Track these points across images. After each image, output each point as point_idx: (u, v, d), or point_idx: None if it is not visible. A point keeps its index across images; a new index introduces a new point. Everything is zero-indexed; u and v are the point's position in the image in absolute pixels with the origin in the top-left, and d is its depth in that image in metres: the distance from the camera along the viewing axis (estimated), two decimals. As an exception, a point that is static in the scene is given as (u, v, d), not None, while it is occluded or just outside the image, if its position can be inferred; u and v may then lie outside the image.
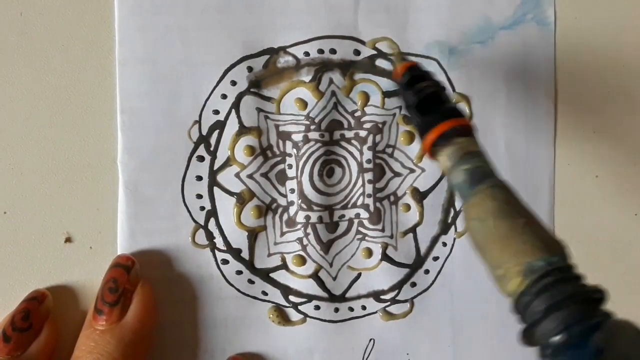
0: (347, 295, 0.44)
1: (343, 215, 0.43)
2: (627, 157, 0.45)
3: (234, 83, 0.41)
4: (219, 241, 0.42)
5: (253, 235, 0.42)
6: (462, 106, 0.43)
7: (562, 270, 0.27)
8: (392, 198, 0.44)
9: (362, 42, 0.42)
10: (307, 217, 0.42)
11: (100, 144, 0.40)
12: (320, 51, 0.42)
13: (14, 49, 0.39)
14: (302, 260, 0.43)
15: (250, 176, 0.42)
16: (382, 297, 0.44)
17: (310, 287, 0.43)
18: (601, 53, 0.45)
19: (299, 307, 0.43)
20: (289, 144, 0.42)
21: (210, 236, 0.42)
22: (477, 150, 0.32)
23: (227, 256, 0.42)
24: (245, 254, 0.42)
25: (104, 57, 0.40)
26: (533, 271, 0.27)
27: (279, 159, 0.42)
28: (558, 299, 0.26)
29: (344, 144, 0.43)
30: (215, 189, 0.42)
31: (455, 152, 0.32)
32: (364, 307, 0.44)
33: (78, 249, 0.41)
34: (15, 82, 0.40)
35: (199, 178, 0.41)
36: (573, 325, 0.25)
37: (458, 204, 0.44)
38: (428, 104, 0.34)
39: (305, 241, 0.43)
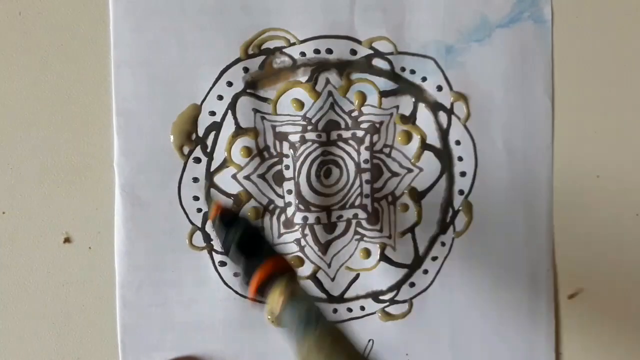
0: (346, 296, 0.43)
1: (341, 216, 0.43)
2: (627, 157, 0.45)
3: (230, 84, 0.41)
4: (216, 243, 0.42)
5: (251, 236, 0.42)
6: (460, 105, 0.43)
7: None
8: (390, 198, 0.43)
9: (359, 42, 0.42)
10: (305, 218, 0.42)
11: (99, 145, 0.41)
12: (317, 51, 0.42)
13: (12, 50, 0.40)
14: (300, 262, 0.43)
15: (247, 177, 0.42)
16: (380, 297, 0.44)
17: (309, 288, 0.43)
18: (601, 52, 0.44)
19: (298, 308, 0.43)
20: (285, 145, 0.42)
21: (207, 238, 0.42)
22: (301, 292, 0.33)
23: (225, 258, 0.42)
24: (243, 255, 0.42)
25: (103, 58, 0.40)
26: None
27: (276, 160, 0.42)
28: None
29: (341, 144, 0.43)
30: (212, 190, 0.42)
31: (283, 292, 0.32)
32: (362, 308, 0.44)
33: (77, 249, 0.41)
34: (14, 83, 0.40)
35: (196, 180, 0.41)
36: None
37: (456, 203, 0.44)
38: (249, 244, 0.34)
39: (303, 242, 0.43)
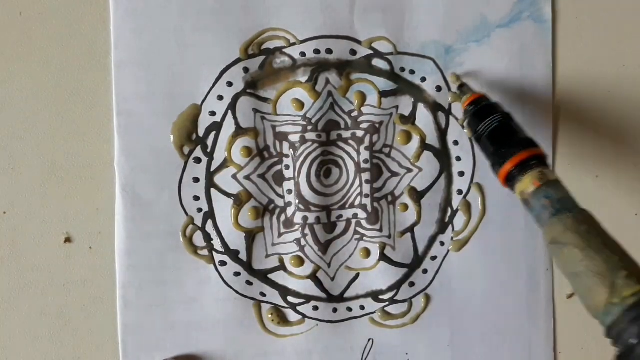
0: (346, 295, 0.43)
1: (341, 216, 0.43)
2: (627, 157, 0.45)
3: (230, 84, 0.41)
4: (216, 243, 0.42)
5: (251, 236, 0.42)
6: (458, 106, 0.43)
7: None
8: (389, 198, 0.43)
9: (358, 42, 0.42)
10: (305, 218, 0.42)
11: (100, 145, 0.41)
12: (317, 51, 0.42)
13: (12, 49, 0.40)
14: (300, 261, 0.43)
15: (247, 177, 0.42)
16: (380, 297, 0.44)
17: (309, 288, 0.43)
18: (601, 53, 0.45)
19: (298, 308, 0.43)
20: (286, 145, 0.42)
21: (207, 238, 0.42)
22: (555, 179, 0.34)
23: (225, 258, 0.42)
24: (243, 256, 0.42)
25: (103, 58, 0.40)
26: (629, 298, 0.28)
27: (276, 160, 0.42)
28: None
29: (341, 144, 0.43)
30: (213, 190, 0.42)
31: (537, 179, 0.34)
32: (362, 307, 0.44)
33: (78, 249, 0.41)
34: (14, 83, 0.40)
35: (196, 180, 0.41)
36: None
37: (455, 203, 0.44)
38: (501, 134, 0.36)
39: (303, 242, 0.43)
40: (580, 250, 0.30)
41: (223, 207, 0.42)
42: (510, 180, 0.35)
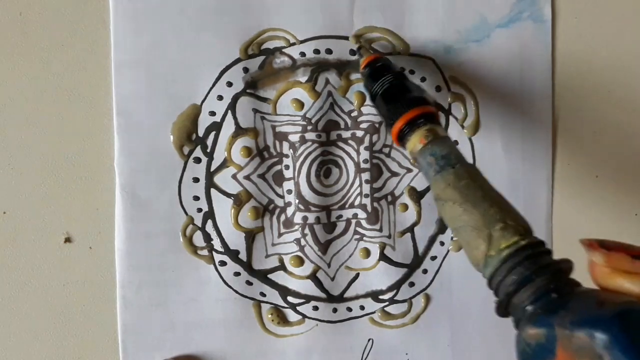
0: (346, 295, 0.43)
1: (340, 216, 0.43)
2: (627, 157, 0.45)
3: (230, 84, 0.41)
4: (216, 243, 0.42)
5: (251, 236, 0.42)
6: (457, 106, 0.43)
7: (531, 247, 0.28)
8: (389, 198, 0.43)
9: (358, 42, 0.42)
10: (305, 218, 0.42)
11: (100, 145, 0.41)
12: (316, 51, 0.42)
13: (12, 49, 0.40)
14: (300, 261, 0.43)
15: (247, 177, 0.42)
16: (380, 297, 0.44)
17: (309, 288, 0.43)
18: (601, 53, 0.45)
19: (298, 308, 0.43)
20: (285, 145, 0.42)
21: (207, 238, 0.42)
22: (444, 135, 0.34)
23: (225, 258, 0.42)
24: (243, 256, 0.42)
25: (103, 58, 0.40)
26: (505, 249, 0.28)
27: (275, 159, 0.42)
28: (530, 271, 0.27)
29: (340, 144, 0.43)
30: (212, 190, 0.42)
31: (423, 137, 0.34)
32: (362, 307, 0.44)
33: (78, 249, 0.41)
34: (14, 83, 0.40)
35: (196, 180, 0.41)
36: (545, 294, 0.27)
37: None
38: (393, 93, 0.36)
39: (303, 242, 0.43)
40: (459, 205, 0.30)
41: (223, 207, 0.42)
42: (401, 139, 0.35)
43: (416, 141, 0.34)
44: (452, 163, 0.32)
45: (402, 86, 0.36)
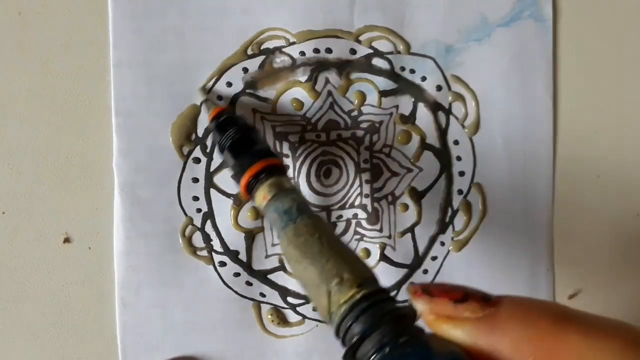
0: (346, 295, 0.43)
1: (341, 216, 0.43)
2: (628, 157, 0.45)
3: (229, 84, 0.41)
4: (216, 243, 0.42)
5: (250, 236, 0.42)
6: (458, 105, 0.43)
7: (369, 297, 0.28)
8: (389, 198, 0.43)
9: (358, 41, 0.42)
10: (305, 218, 0.42)
11: (99, 145, 0.41)
12: (316, 50, 0.42)
13: (12, 49, 0.40)
14: (299, 261, 0.43)
15: (247, 177, 0.42)
16: (380, 297, 0.44)
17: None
18: (602, 52, 0.44)
19: (298, 309, 0.43)
20: (285, 145, 0.42)
21: (207, 238, 0.42)
22: (288, 187, 0.34)
23: (225, 258, 0.42)
24: (242, 256, 0.42)
25: (103, 58, 0.40)
26: (343, 305, 0.28)
27: (275, 159, 0.42)
28: (369, 324, 0.27)
29: (340, 144, 0.43)
30: (212, 190, 0.42)
31: (267, 193, 0.34)
32: (362, 308, 0.44)
33: (77, 250, 0.41)
34: (14, 83, 0.40)
35: (196, 180, 0.41)
36: (388, 344, 0.26)
37: (455, 203, 0.44)
38: (238, 147, 0.36)
39: (302, 242, 0.43)
40: (300, 262, 0.30)
41: (222, 208, 0.42)
42: (250, 193, 0.35)
43: (261, 197, 0.34)
44: (293, 218, 0.32)
45: (248, 139, 0.37)
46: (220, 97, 0.41)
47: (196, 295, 0.42)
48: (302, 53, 0.42)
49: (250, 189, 0.35)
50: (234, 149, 0.36)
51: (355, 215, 0.43)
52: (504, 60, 0.43)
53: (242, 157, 0.36)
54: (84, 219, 0.41)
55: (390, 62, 0.42)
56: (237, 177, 0.36)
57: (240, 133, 0.37)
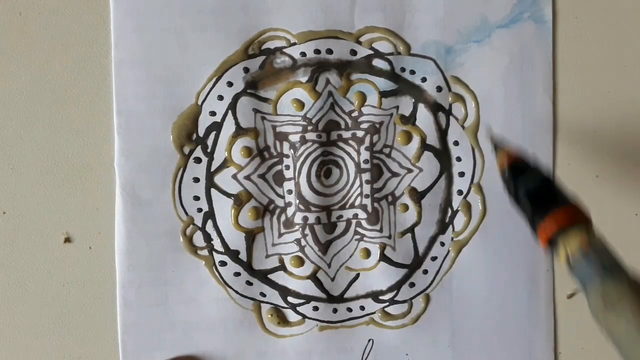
0: (346, 295, 0.43)
1: (341, 216, 0.43)
2: (627, 157, 0.45)
3: (230, 84, 0.41)
4: (216, 243, 0.42)
5: (251, 236, 0.42)
6: (458, 106, 0.43)
7: None
8: (390, 198, 0.43)
9: (359, 42, 0.42)
10: (305, 218, 0.42)
11: (100, 145, 0.41)
12: (317, 51, 0.42)
13: (12, 49, 0.40)
14: (300, 262, 0.43)
15: (247, 177, 0.42)
16: (380, 297, 0.44)
17: (309, 288, 0.43)
18: (601, 53, 0.45)
19: (298, 308, 0.43)
20: (286, 145, 0.42)
21: (207, 238, 0.42)
22: (600, 240, 0.32)
23: (225, 258, 0.42)
24: (243, 256, 0.42)
25: (103, 58, 0.40)
26: None
27: (276, 160, 0.42)
28: None
29: (341, 144, 0.43)
30: (213, 190, 0.42)
31: (579, 242, 0.32)
32: (362, 308, 0.44)
33: (77, 249, 0.41)
34: (14, 84, 0.40)
35: (196, 180, 0.41)
36: None
37: (455, 203, 0.44)
38: (540, 194, 0.34)
39: (303, 242, 0.43)
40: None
41: (223, 207, 0.42)
42: (552, 244, 0.33)
43: (574, 246, 0.32)
44: (619, 269, 0.31)
45: (553, 187, 0.35)
46: (221, 97, 0.41)
47: (197, 294, 0.42)
48: (303, 54, 0.42)
49: (554, 239, 0.33)
50: (535, 195, 0.34)
51: (355, 215, 0.43)
52: (504, 61, 0.43)
53: (546, 204, 0.34)
54: (84, 219, 0.41)
55: (390, 63, 0.42)
56: (535, 223, 0.34)
57: (539, 181, 0.35)
